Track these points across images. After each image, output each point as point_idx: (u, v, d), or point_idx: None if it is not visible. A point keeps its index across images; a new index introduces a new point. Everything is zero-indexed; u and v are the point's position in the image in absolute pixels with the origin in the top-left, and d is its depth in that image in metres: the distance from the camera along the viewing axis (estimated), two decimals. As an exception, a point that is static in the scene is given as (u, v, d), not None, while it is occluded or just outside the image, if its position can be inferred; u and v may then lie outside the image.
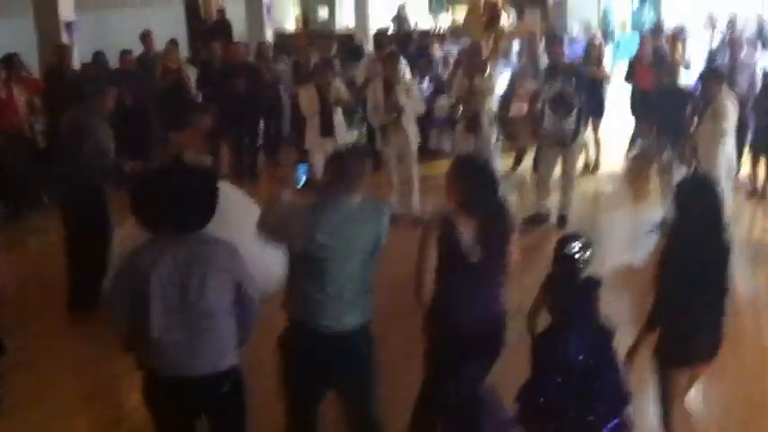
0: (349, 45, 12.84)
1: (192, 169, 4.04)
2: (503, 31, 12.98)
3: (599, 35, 12.28)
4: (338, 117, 8.38)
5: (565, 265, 3.95)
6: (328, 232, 3.52)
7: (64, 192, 6.20)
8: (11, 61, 9.01)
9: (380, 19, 17.22)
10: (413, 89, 8.43)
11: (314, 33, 16.23)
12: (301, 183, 3.86)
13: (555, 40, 8.44)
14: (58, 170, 6.30)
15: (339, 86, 8.53)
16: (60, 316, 6.15)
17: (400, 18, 17.64)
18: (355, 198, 3.62)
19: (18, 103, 8.53)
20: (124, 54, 10.10)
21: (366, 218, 3.66)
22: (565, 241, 4.00)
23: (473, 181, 3.80)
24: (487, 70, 8.75)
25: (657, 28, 12.49)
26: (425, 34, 14.65)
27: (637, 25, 17.14)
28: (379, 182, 7.91)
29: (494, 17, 12.74)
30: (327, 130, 8.22)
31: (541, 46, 10.57)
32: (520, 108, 9.15)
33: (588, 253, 3.96)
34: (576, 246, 3.95)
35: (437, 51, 12.09)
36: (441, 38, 13.91)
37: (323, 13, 19.39)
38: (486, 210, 3.79)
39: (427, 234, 3.76)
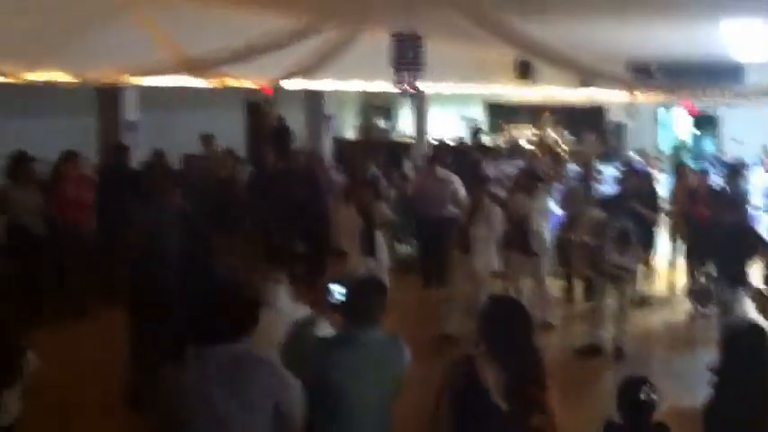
0: (388, 155, 13.08)
1: (229, 277, 3.93)
2: (560, 154, 13.06)
3: (657, 165, 12.24)
4: (379, 237, 8.33)
5: (633, 411, 3.70)
6: (343, 370, 3.39)
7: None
8: (73, 157, 9.20)
9: (441, 129, 17.57)
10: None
11: (372, 143, 16.50)
12: (336, 302, 3.72)
13: (630, 171, 8.45)
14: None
15: (384, 210, 8.54)
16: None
17: (472, 131, 17.91)
18: (373, 333, 3.50)
19: (84, 199, 8.73)
20: (187, 156, 10.35)
21: (385, 356, 3.51)
22: (632, 385, 3.73)
23: (505, 323, 3.49)
24: (542, 192, 8.76)
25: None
26: (482, 149, 14.79)
27: (697, 154, 17.06)
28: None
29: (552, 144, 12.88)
30: (368, 249, 8.17)
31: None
32: (580, 235, 9.07)
33: (656, 397, 3.72)
34: (645, 390, 3.70)
35: (492, 169, 12.11)
36: (497, 155, 13.97)
37: (382, 122, 19.74)
38: (517, 355, 3.44)
39: (448, 380, 3.45)
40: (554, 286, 9.40)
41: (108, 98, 10.37)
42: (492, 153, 13.92)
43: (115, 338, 6.57)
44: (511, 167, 12.06)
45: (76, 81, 8.41)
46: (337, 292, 3.72)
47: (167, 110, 11.78)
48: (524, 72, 14.99)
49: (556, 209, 9.92)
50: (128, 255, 6.60)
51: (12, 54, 7.40)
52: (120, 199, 8.58)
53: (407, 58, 9.42)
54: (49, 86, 8.07)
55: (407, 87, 9.70)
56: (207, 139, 11.24)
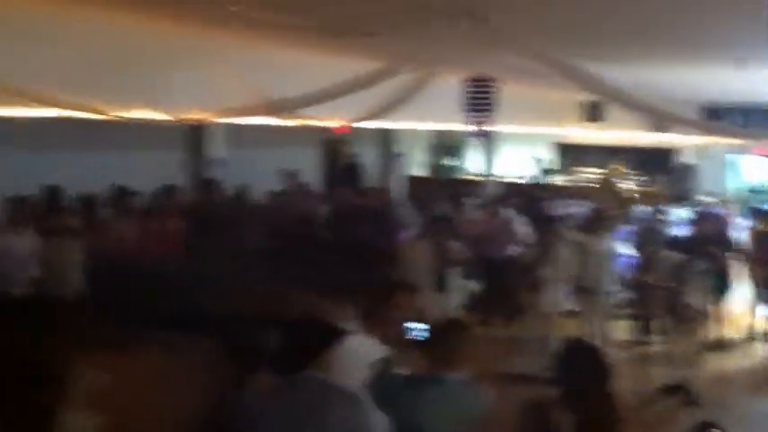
0: (457, 194, 13.28)
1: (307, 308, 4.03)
2: (629, 195, 13.07)
3: (730, 208, 12.19)
4: (451, 274, 8.47)
5: None
6: (426, 410, 3.41)
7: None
8: (172, 190, 9.71)
9: (509, 168, 17.77)
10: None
11: (442, 181, 16.78)
12: (415, 340, 3.76)
13: (703, 213, 8.48)
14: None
15: (458, 248, 8.69)
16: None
17: (541, 170, 18.07)
18: (455, 374, 3.52)
19: (178, 230, 9.21)
20: (272, 193, 10.82)
21: (465, 397, 3.52)
22: (704, 430, 3.66)
23: (580, 369, 3.46)
24: (610, 232, 8.83)
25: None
26: (550, 189, 14.93)
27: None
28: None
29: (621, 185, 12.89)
30: (440, 285, 8.33)
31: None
32: (656, 277, 9.12)
33: None
34: None
35: (560, 209, 12.24)
36: (565, 195, 14.10)
37: (450, 160, 20.00)
38: (592, 401, 3.40)
39: (520, 423, 3.44)
40: (625, 327, 9.41)
41: (198, 135, 10.95)
42: (560, 193, 14.04)
43: (196, 366, 6.87)
44: (579, 208, 12.19)
45: (170, 119, 8.93)
46: (416, 330, 3.77)
47: (251, 146, 12.33)
48: (594, 114, 15.14)
49: (626, 250, 9.97)
50: (211, 284, 6.94)
51: (112, 94, 7.93)
52: (207, 231, 9.05)
53: (479, 100, 9.73)
54: (145, 124, 8.58)
55: (478, 129, 9.98)
56: (289, 175, 11.70)
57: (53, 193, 8.75)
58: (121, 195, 8.92)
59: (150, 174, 10.01)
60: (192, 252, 9.23)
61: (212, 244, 8.14)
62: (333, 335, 3.36)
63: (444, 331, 3.72)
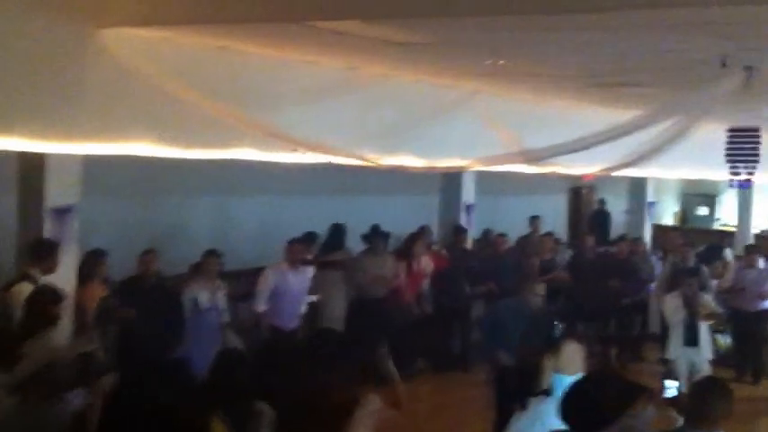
0: (709, 245, 12.70)
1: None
2: None
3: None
4: (702, 327, 8.23)
5: None
6: None
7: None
8: (424, 233, 10.17)
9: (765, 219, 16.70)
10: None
11: (693, 231, 16.13)
12: (671, 396, 3.75)
13: None
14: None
15: (709, 302, 8.45)
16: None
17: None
18: None
19: (421, 276, 9.65)
20: (499, 236, 11.04)
21: None
22: None
23: None
24: None
25: None
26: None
27: None
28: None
29: None
30: (691, 340, 8.13)
31: None
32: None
33: None
34: None
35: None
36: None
37: (703, 210, 19.16)
38: None
39: None
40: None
41: (450, 181, 11.39)
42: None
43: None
44: None
45: (425, 167, 9.37)
46: (671, 386, 3.80)
47: (499, 193, 12.62)
48: None
49: None
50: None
51: (373, 143, 8.48)
52: (454, 274, 9.38)
53: (743, 150, 9.35)
54: (403, 171, 9.06)
55: (742, 180, 9.57)
56: (533, 221, 11.85)
57: (337, 231, 9.43)
58: (377, 234, 9.45)
59: (406, 216, 10.54)
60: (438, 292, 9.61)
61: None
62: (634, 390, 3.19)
63: (703, 389, 3.69)
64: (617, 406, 2.97)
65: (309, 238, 9.32)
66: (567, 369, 5.57)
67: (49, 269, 6.24)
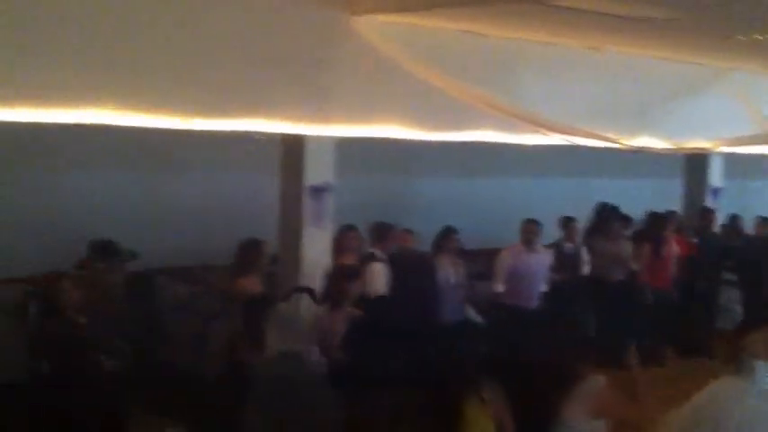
0: None
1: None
2: None
3: None
4: None
5: None
6: None
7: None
8: (672, 217, 9.83)
9: None
10: None
11: None
12: None
13: None
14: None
15: None
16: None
17: None
18: None
19: (669, 261, 9.35)
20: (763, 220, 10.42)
21: None
22: None
23: None
24: None
25: None
26: None
27: None
28: None
29: None
30: None
31: None
32: None
33: None
34: None
35: None
36: None
37: None
38: None
39: None
40: None
41: (695, 164, 10.92)
42: None
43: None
44: None
45: (670, 148, 9.05)
46: None
47: (746, 176, 11.94)
48: None
49: None
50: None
51: (615, 124, 8.30)
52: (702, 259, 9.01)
53: None
54: (646, 152, 8.80)
55: None
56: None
57: (603, 211, 9.35)
58: (605, 212, 9.26)
59: (646, 200, 10.25)
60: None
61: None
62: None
63: None
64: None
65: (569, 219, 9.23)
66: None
67: (387, 247, 7.35)
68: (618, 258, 9.04)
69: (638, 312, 8.85)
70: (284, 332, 5.07)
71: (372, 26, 6.54)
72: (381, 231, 7.48)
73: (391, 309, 6.76)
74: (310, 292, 6.03)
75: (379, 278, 7.03)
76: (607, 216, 9.19)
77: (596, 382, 4.76)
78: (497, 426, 4.73)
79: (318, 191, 6.84)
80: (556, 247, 8.86)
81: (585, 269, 8.92)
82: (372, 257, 7.20)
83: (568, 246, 8.98)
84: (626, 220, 9.46)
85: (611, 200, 9.50)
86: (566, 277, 8.65)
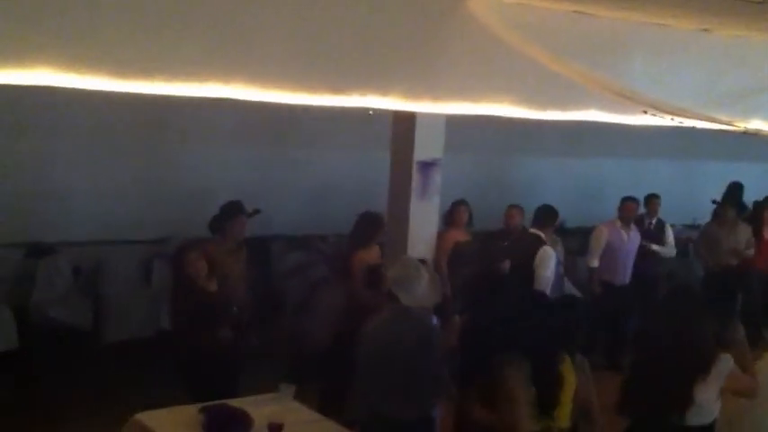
0: None
1: None
2: None
3: None
4: None
5: None
6: None
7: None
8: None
9: None
10: None
11: None
12: None
13: None
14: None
15: None
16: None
17: None
18: None
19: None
20: None
21: None
22: None
23: None
24: None
25: None
26: None
27: None
28: None
29: None
30: None
31: None
32: None
33: None
34: None
35: None
36: None
37: None
38: None
39: None
40: None
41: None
42: None
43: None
44: None
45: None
46: None
47: None
48: None
49: None
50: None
51: (725, 107, 8.20)
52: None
53: None
54: (756, 135, 8.66)
55: None
56: None
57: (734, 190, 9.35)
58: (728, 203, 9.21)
59: (753, 184, 10.12)
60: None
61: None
62: None
63: None
64: None
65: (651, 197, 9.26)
66: None
67: (553, 229, 7.83)
68: (734, 249, 9.15)
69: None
70: (410, 290, 5.27)
71: (485, 6, 6.66)
72: (548, 215, 7.86)
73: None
74: (423, 262, 6.26)
75: (550, 261, 7.35)
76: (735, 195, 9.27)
77: (728, 362, 4.88)
78: (582, 405, 4.92)
79: (427, 166, 7.07)
80: (640, 219, 9.07)
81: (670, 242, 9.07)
82: (540, 241, 7.49)
83: (649, 221, 9.18)
84: (742, 207, 9.46)
85: (716, 182, 9.44)
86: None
